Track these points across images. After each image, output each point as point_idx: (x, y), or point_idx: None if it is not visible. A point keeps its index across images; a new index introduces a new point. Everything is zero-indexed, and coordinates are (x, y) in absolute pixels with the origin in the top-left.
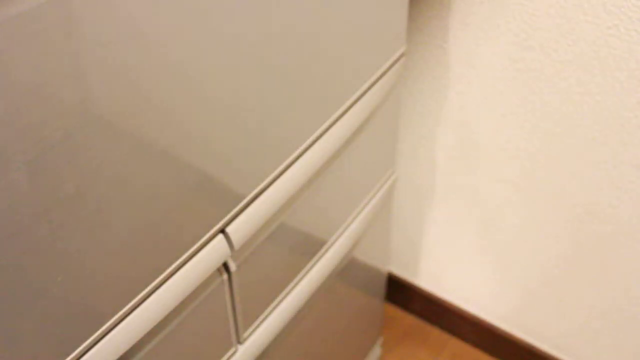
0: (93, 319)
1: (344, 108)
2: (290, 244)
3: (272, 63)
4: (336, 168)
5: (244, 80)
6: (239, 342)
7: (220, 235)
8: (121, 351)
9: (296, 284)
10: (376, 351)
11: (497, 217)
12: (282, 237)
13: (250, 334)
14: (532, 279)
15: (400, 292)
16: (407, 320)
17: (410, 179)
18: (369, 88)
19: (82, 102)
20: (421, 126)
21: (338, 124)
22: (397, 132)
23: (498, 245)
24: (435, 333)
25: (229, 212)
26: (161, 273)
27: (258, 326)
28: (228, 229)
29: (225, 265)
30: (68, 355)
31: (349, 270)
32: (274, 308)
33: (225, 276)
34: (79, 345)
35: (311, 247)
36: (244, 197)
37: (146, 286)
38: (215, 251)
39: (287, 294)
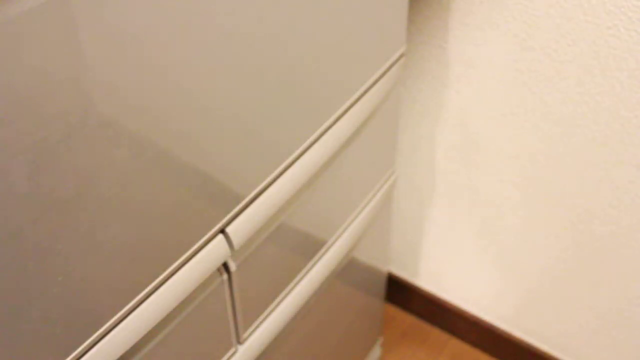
0: (93, 319)
1: (344, 108)
2: (290, 244)
3: (272, 63)
4: (336, 168)
5: (244, 81)
6: (239, 342)
7: (220, 236)
8: (121, 351)
9: (296, 284)
10: (376, 351)
11: (497, 217)
12: (282, 237)
13: (250, 334)
14: (532, 279)
15: (400, 292)
16: (407, 320)
17: (410, 179)
18: (368, 88)
19: (82, 103)
20: (421, 126)
21: (338, 124)
22: (397, 132)
23: (498, 245)
24: (435, 333)
25: (229, 212)
26: (161, 273)
27: (258, 326)
28: (228, 229)
29: (225, 266)
30: (68, 355)
31: (349, 271)
32: (274, 308)
33: (225, 276)
34: (79, 346)
35: (311, 247)
36: (244, 197)
37: (146, 286)
38: (215, 251)
39: (287, 294)
